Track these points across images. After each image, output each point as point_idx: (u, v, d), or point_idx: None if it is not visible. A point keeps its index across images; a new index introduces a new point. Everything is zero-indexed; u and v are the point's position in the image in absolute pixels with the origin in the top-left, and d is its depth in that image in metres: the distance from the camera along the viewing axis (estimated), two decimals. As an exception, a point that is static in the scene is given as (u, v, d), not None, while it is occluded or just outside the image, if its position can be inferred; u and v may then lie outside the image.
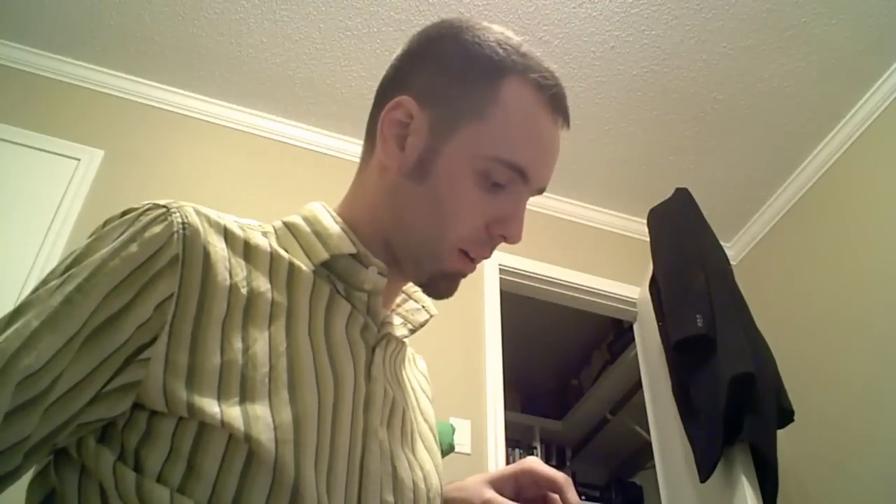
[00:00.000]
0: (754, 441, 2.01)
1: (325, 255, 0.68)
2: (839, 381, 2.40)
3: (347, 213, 0.73)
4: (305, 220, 0.71)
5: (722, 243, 2.46)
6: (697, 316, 2.12)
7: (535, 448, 3.80)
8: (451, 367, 2.41)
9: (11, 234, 2.20)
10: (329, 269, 0.69)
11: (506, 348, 2.57)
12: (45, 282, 0.58)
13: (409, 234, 0.70)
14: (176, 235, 0.59)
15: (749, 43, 2.43)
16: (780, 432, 2.08)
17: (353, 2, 2.39)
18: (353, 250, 0.68)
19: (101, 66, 2.61)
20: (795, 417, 2.14)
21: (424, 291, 0.74)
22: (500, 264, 2.73)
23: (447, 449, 1.80)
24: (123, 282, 0.57)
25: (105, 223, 0.63)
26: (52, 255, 2.19)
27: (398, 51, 0.76)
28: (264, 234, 0.69)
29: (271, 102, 2.72)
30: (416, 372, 0.85)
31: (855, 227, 2.53)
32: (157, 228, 0.59)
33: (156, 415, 0.57)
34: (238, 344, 0.60)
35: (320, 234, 0.69)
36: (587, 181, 2.94)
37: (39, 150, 2.38)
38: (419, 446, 0.73)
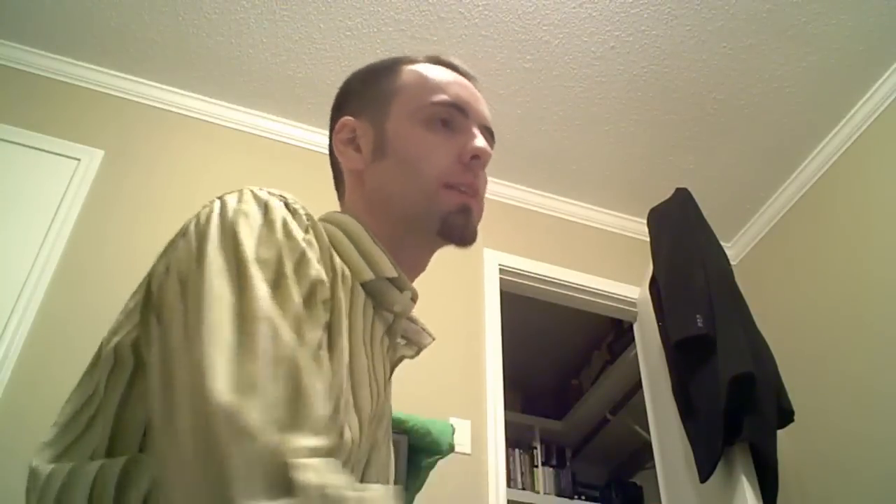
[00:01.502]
0: (754, 441, 2.00)
1: (370, 276, 0.71)
2: (839, 381, 2.40)
3: (368, 226, 0.76)
4: (346, 234, 0.73)
5: (722, 243, 2.45)
6: (697, 316, 2.12)
7: (535, 448, 3.80)
8: (451, 367, 2.41)
9: (11, 234, 2.20)
10: (365, 289, 0.72)
11: (506, 348, 2.57)
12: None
13: (399, 202, 0.77)
14: (308, 229, 0.62)
15: (749, 43, 2.43)
16: (780, 432, 2.08)
17: (353, 2, 2.39)
18: (394, 274, 0.73)
19: (101, 66, 2.61)
20: (795, 417, 2.14)
21: (446, 236, 0.77)
22: (500, 264, 2.73)
23: (447, 449, 1.79)
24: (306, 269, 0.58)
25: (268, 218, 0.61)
26: (51, 256, 2.19)
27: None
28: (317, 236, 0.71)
29: (271, 102, 2.72)
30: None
31: (855, 227, 2.53)
32: (295, 226, 0.61)
33: None
34: (346, 335, 0.63)
35: (365, 255, 0.73)
36: (587, 181, 2.94)
37: (39, 150, 2.37)
38: (389, 456, 0.76)
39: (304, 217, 0.63)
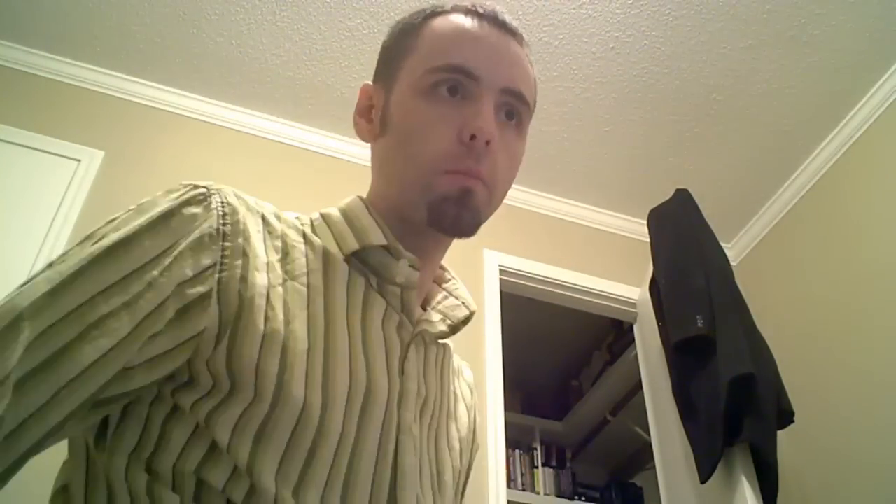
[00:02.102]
0: (754, 442, 2.00)
1: (355, 245, 0.68)
2: (839, 381, 2.40)
3: (374, 205, 0.73)
4: (342, 211, 0.71)
5: (722, 244, 2.46)
6: (697, 316, 2.12)
7: (536, 449, 3.80)
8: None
9: (12, 235, 2.20)
10: (363, 263, 0.69)
11: (506, 349, 2.57)
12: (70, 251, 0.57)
13: (394, 181, 0.70)
14: (216, 212, 0.60)
15: (749, 44, 2.43)
16: (780, 433, 2.08)
17: (353, 3, 2.39)
18: (383, 242, 0.68)
19: (102, 67, 2.61)
20: (795, 418, 2.14)
21: (437, 227, 0.68)
22: (500, 265, 2.73)
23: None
24: (161, 252, 0.56)
25: (140, 204, 0.62)
26: (51, 256, 2.19)
27: None
28: (301, 223, 0.69)
29: (271, 103, 2.72)
30: (461, 381, 0.84)
31: (855, 227, 2.53)
32: (196, 209, 0.60)
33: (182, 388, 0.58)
34: (280, 315, 0.60)
35: (353, 225, 0.69)
36: (587, 182, 2.94)
37: (40, 150, 2.38)
38: (444, 451, 0.72)
39: (217, 207, 0.61)
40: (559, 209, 3.00)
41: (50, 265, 0.55)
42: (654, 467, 2.56)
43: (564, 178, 2.92)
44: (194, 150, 2.61)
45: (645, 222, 2.56)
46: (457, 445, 0.75)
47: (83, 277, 0.53)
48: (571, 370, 4.21)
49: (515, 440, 3.66)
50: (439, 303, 0.77)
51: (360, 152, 2.83)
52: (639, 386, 2.88)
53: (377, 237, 0.68)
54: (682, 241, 2.35)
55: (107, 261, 0.54)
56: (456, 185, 0.66)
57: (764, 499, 2.00)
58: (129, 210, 0.60)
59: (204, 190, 0.62)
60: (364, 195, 0.76)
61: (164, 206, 0.59)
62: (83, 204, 2.33)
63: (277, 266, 0.62)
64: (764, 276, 2.89)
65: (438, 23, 0.71)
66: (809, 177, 2.78)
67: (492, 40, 0.70)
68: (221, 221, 0.60)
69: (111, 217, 0.60)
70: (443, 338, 0.75)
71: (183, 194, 0.61)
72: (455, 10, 0.72)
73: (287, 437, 0.57)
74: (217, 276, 0.58)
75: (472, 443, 0.83)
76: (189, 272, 0.56)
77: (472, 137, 0.65)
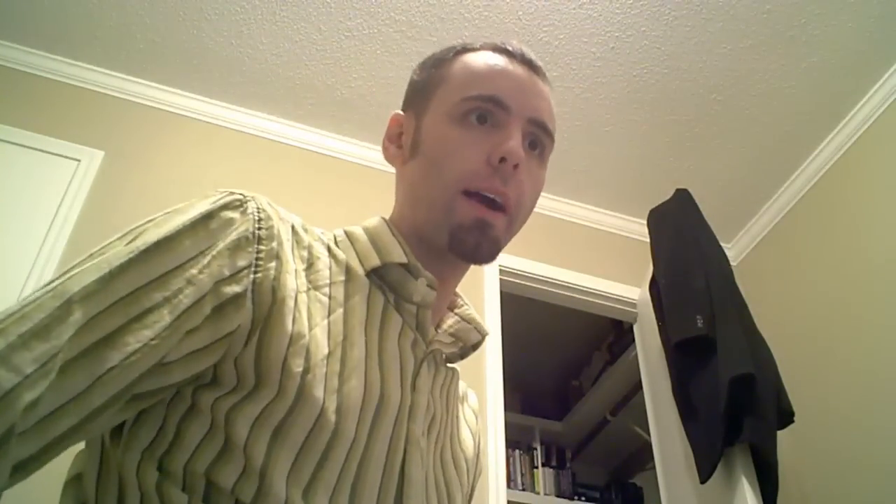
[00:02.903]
0: (754, 442, 2.00)
1: (377, 262, 0.71)
2: (839, 382, 2.40)
3: (396, 227, 0.76)
4: (365, 230, 0.74)
5: (722, 244, 2.46)
6: (697, 317, 2.12)
7: (536, 449, 3.80)
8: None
9: (11, 235, 2.20)
10: (382, 280, 0.71)
11: (506, 349, 2.57)
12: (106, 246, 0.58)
13: (421, 204, 0.73)
14: (252, 217, 0.63)
15: (749, 44, 2.43)
16: (780, 433, 2.08)
17: (353, 3, 2.39)
18: (404, 260, 0.71)
19: (102, 68, 2.61)
20: (795, 418, 2.14)
21: (457, 254, 0.71)
22: (500, 265, 2.73)
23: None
24: (200, 251, 0.58)
25: (178, 207, 0.63)
26: (51, 256, 2.19)
27: None
28: (326, 238, 0.72)
29: (271, 103, 2.72)
30: (466, 406, 0.87)
31: (855, 227, 2.53)
32: (233, 213, 0.62)
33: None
34: (305, 320, 0.62)
35: (375, 243, 0.72)
36: (587, 182, 2.94)
37: (39, 150, 2.38)
38: (450, 466, 0.74)
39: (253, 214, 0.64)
40: (559, 209, 3.00)
41: (91, 255, 0.56)
42: (654, 467, 2.56)
43: (564, 178, 2.92)
44: (194, 150, 2.61)
45: (645, 222, 2.56)
46: (463, 465, 0.78)
47: (129, 271, 0.54)
48: (571, 370, 4.21)
49: (515, 440, 3.66)
50: (451, 326, 0.80)
51: (360, 152, 2.83)
52: (639, 386, 2.88)
53: (398, 255, 0.71)
54: (682, 242, 2.35)
55: (150, 257, 0.56)
56: (473, 214, 0.69)
57: (764, 499, 2.00)
58: (168, 212, 0.62)
59: (240, 196, 0.64)
60: (382, 213, 0.79)
61: (203, 208, 0.61)
62: (83, 204, 2.33)
63: (303, 275, 0.65)
64: (764, 276, 2.89)
65: (470, 57, 0.76)
66: (809, 177, 2.78)
67: (520, 75, 0.74)
68: (257, 226, 0.62)
69: (150, 217, 0.61)
70: (452, 360, 0.79)
71: (221, 199, 0.63)
72: (485, 47, 0.77)
73: (303, 438, 0.58)
74: (252, 276, 0.60)
75: (476, 466, 0.85)
76: (226, 272, 0.59)
77: (502, 160, 0.69)
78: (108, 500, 0.58)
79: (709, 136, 2.73)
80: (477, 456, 0.85)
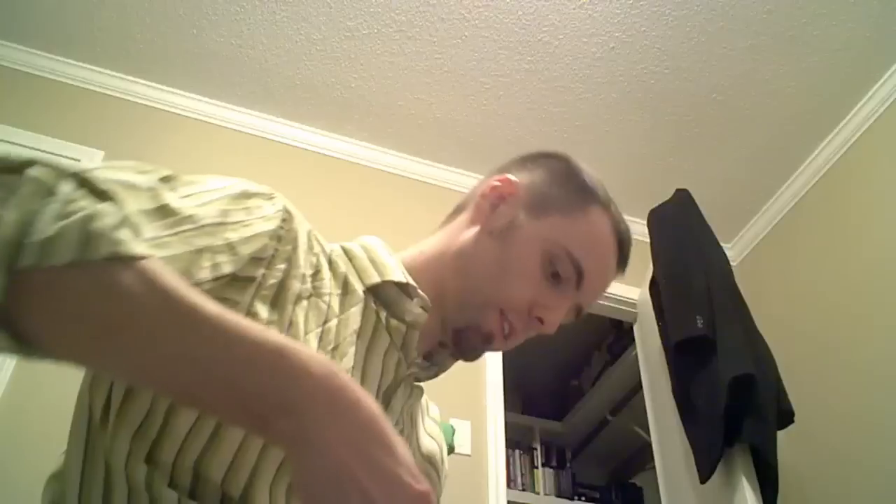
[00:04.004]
0: (754, 442, 2.01)
1: (376, 279, 0.73)
2: (839, 382, 2.40)
3: (409, 255, 0.79)
4: (363, 247, 0.76)
5: (722, 244, 2.46)
6: (697, 317, 2.12)
7: (536, 449, 3.80)
8: (450, 367, 2.40)
9: (11, 235, 2.20)
10: (376, 297, 0.73)
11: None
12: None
13: (467, 279, 0.75)
14: (278, 216, 0.64)
15: (749, 44, 2.43)
16: (779, 433, 2.08)
17: (353, 3, 2.39)
18: (402, 279, 0.73)
19: (101, 68, 2.61)
20: (795, 419, 2.14)
21: (453, 344, 0.76)
22: (500, 265, 2.72)
23: (447, 450, 1.79)
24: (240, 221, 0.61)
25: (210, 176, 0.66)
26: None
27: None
28: (327, 249, 0.74)
29: (271, 103, 2.72)
30: (428, 420, 0.90)
31: (855, 227, 2.53)
32: (265, 203, 0.64)
33: None
34: (301, 324, 0.64)
35: (374, 261, 0.74)
36: (587, 182, 2.94)
37: (39, 150, 2.38)
38: None
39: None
40: (559, 209, 3.00)
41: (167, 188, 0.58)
42: (654, 467, 2.56)
43: (564, 179, 2.92)
44: (194, 150, 2.61)
45: (645, 222, 2.56)
46: (434, 475, 0.83)
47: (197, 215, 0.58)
48: (571, 370, 4.20)
49: (515, 440, 3.66)
50: (431, 355, 0.81)
51: (360, 152, 2.83)
52: (639, 386, 2.88)
53: (397, 274, 0.73)
54: (682, 241, 2.35)
55: (206, 208, 0.59)
56: (491, 328, 0.74)
57: (764, 499, 2.00)
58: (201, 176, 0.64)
59: (268, 190, 0.66)
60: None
61: (241, 185, 0.64)
62: (83, 204, 2.33)
63: (309, 280, 0.67)
64: (764, 276, 2.89)
65: (600, 226, 0.77)
66: (809, 177, 2.78)
67: (610, 276, 0.79)
68: (280, 225, 0.64)
69: (181, 175, 0.62)
70: (420, 379, 0.81)
71: (252, 185, 0.65)
72: (616, 223, 0.78)
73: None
74: (262, 271, 0.62)
75: (442, 473, 0.90)
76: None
77: (540, 320, 0.75)
78: (94, 495, 0.57)
79: (709, 136, 2.73)
80: (442, 461, 0.90)
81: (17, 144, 2.35)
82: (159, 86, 2.67)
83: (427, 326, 0.75)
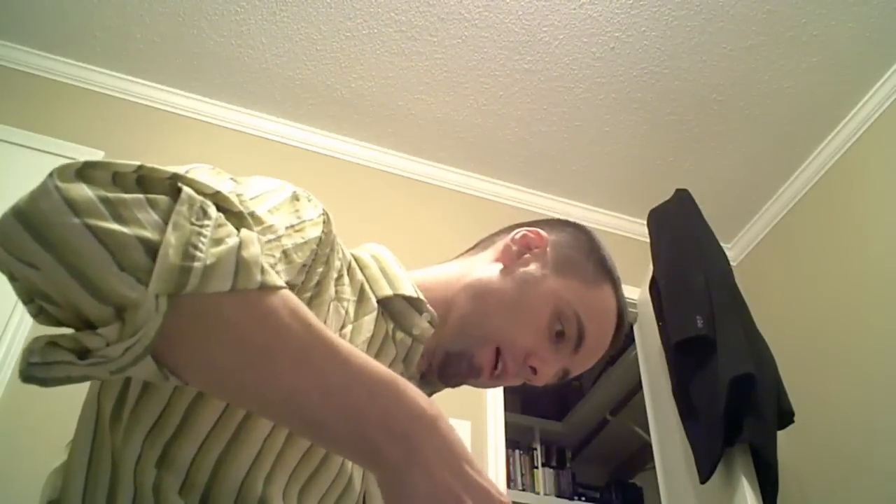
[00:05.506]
0: (754, 442, 2.00)
1: (388, 292, 0.74)
2: (839, 382, 2.40)
3: (420, 272, 0.81)
4: (373, 257, 0.78)
5: (722, 244, 2.45)
6: (697, 317, 2.12)
7: (535, 449, 3.80)
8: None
9: (11, 235, 2.20)
10: (385, 308, 0.74)
11: (506, 349, 2.57)
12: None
13: (477, 308, 0.78)
14: (321, 221, 0.66)
15: (749, 44, 2.43)
16: (780, 433, 2.08)
17: (353, 3, 2.39)
18: (412, 294, 0.75)
19: (101, 67, 2.61)
20: (795, 418, 2.14)
21: (439, 366, 0.77)
22: (500, 265, 2.72)
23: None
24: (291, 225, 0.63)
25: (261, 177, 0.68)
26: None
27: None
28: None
29: (271, 103, 2.72)
30: None
31: (855, 227, 2.53)
32: (309, 205, 0.66)
33: None
34: (331, 328, 0.65)
35: (386, 273, 0.76)
36: (587, 182, 2.94)
37: (39, 150, 2.37)
38: None
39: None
40: (558, 209, 3.00)
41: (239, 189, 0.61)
42: (654, 467, 2.56)
43: (564, 179, 2.92)
44: (194, 150, 2.61)
45: (645, 222, 2.56)
46: None
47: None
48: (571, 370, 4.20)
49: (515, 440, 3.65)
50: (426, 373, 0.83)
51: (360, 152, 2.83)
52: (639, 386, 2.87)
53: (408, 288, 0.75)
54: (682, 241, 2.35)
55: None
56: (479, 364, 0.76)
57: (764, 499, 2.00)
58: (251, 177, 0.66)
59: (309, 194, 0.69)
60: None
61: (289, 187, 0.66)
62: (83, 204, 2.33)
63: (334, 283, 0.69)
64: (764, 276, 2.89)
65: (609, 301, 0.83)
66: (809, 177, 2.78)
67: (602, 350, 0.83)
68: (323, 230, 0.66)
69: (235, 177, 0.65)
70: None
71: (295, 188, 0.68)
72: (622, 304, 0.84)
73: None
74: (304, 276, 0.63)
75: None
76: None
77: (533, 371, 0.78)
78: (98, 496, 0.57)
79: (709, 136, 2.73)
80: None
81: (17, 144, 2.35)
82: (159, 86, 2.67)
83: (425, 346, 0.76)
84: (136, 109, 2.63)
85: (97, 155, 2.45)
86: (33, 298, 0.49)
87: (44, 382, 0.48)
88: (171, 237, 0.46)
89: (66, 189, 0.48)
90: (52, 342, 0.46)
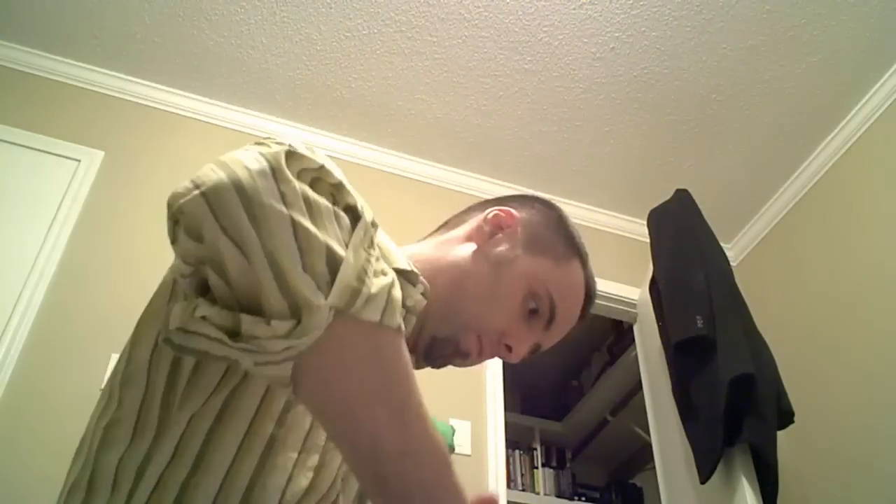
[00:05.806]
0: (754, 442, 2.00)
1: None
2: (839, 382, 2.40)
3: (406, 251, 0.81)
4: None
5: (722, 244, 2.46)
6: (697, 317, 2.12)
7: (535, 449, 3.80)
8: (450, 367, 2.40)
9: (12, 235, 2.20)
10: None
11: (506, 349, 2.57)
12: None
13: (457, 293, 0.78)
14: None
15: (749, 44, 2.43)
16: (780, 433, 2.08)
17: (353, 3, 2.39)
18: (406, 267, 0.74)
19: (102, 68, 2.61)
20: (795, 418, 2.14)
21: (425, 349, 0.78)
22: (500, 265, 2.72)
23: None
24: None
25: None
26: (52, 256, 2.19)
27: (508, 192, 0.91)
28: None
29: (271, 103, 2.72)
30: None
31: (855, 227, 2.53)
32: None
33: None
34: None
35: (380, 247, 0.74)
36: (587, 182, 2.94)
37: (40, 151, 2.38)
38: None
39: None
40: (559, 209, 3.00)
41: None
42: (654, 467, 2.56)
43: (564, 179, 2.92)
44: (194, 150, 2.61)
45: (645, 222, 2.56)
46: None
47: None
48: (571, 370, 4.20)
49: (515, 440, 3.66)
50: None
51: (360, 152, 2.83)
52: (639, 386, 2.87)
53: (402, 262, 0.74)
54: (682, 242, 2.35)
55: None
56: (465, 348, 0.78)
57: (764, 499, 2.00)
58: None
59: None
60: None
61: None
62: (83, 204, 2.33)
63: None
64: (764, 276, 2.89)
65: (577, 277, 0.84)
66: (809, 177, 2.78)
67: (571, 325, 0.86)
68: None
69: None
70: None
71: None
72: (589, 279, 0.86)
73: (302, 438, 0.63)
74: None
75: None
76: None
77: (508, 349, 0.80)
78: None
79: (709, 136, 2.73)
80: None
81: (17, 144, 2.35)
82: (159, 86, 2.67)
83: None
84: (136, 109, 2.63)
85: (97, 155, 2.45)
86: (201, 266, 0.50)
87: (179, 350, 0.50)
88: (351, 257, 0.49)
89: (280, 175, 0.51)
90: (205, 317, 0.48)
